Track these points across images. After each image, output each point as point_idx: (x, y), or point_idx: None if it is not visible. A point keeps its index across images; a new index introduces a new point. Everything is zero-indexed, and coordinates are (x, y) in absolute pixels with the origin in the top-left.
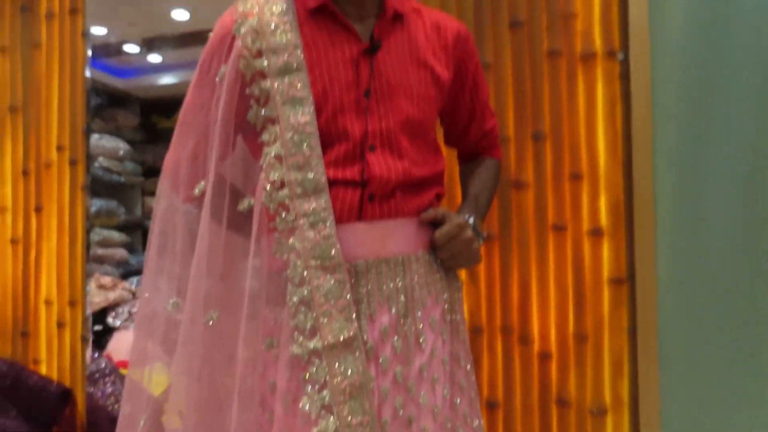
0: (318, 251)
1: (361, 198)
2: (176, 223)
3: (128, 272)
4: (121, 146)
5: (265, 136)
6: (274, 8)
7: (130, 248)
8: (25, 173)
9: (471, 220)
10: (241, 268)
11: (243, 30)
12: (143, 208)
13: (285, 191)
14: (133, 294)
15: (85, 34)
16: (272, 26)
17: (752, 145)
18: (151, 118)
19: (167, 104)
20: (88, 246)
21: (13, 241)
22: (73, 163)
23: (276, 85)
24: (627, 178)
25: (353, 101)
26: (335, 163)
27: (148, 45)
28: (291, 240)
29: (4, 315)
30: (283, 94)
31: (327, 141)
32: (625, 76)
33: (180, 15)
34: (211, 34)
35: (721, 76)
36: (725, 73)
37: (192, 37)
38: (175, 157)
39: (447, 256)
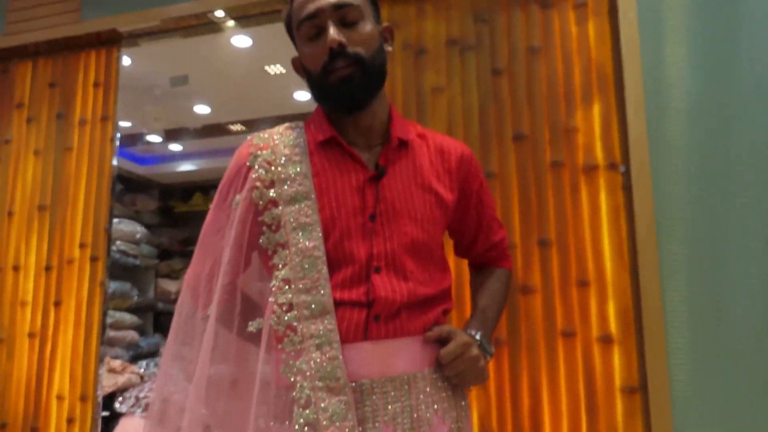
0: (324, 373)
1: (366, 318)
2: (195, 333)
3: (138, 355)
4: (139, 230)
5: (275, 260)
6: (286, 141)
7: (141, 330)
8: (48, 268)
9: (477, 336)
10: (251, 368)
11: (257, 162)
12: (156, 291)
13: (293, 313)
14: (142, 378)
15: (113, 139)
16: (284, 158)
17: (764, 248)
18: (169, 203)
19: (185, 189)
20: (101, 341)
21: (31, 335)
22: (93, 259)
23: (287, 212)
24: (634, 284)
25: (359, 225)
26: (342, 284)
27: (170, 135)
28: (298, 362)
29: (16, 409)
30: (293, 221)
31: (334, 263)
32: (627, 187)
33: (202, 110)
34: (230, 163)
35: (724, 183)
36: (728, 180)
37: (211, 129)
38: (194, 272)
39: (453, 374)
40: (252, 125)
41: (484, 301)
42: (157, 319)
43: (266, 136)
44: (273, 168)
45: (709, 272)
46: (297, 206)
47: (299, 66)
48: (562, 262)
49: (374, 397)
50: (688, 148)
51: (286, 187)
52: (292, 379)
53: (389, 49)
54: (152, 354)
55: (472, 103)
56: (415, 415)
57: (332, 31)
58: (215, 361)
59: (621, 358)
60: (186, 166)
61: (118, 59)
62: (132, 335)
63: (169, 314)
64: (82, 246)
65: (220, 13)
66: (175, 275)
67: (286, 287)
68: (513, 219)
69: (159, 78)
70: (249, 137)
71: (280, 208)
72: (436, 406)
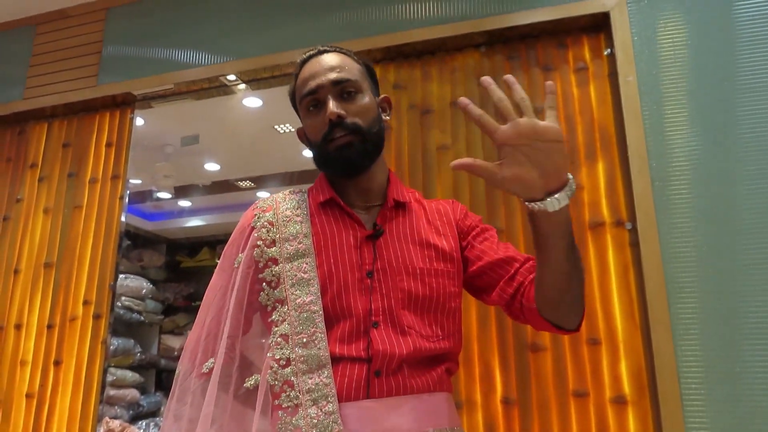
0: (320, 428)
1: (367, 374)
2: (188, 392)
3: (138, 414)
4: (145, 285)
5: (274, 316)
6: (289, 204)
7: (142, 389)
8: (50, 327)
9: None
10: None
11: (260, 222)
12: (159, 347)
13: (290, 368)
14: None
15: (123, 196)
16: (286, 219)
17: None
18: (176, 258)
19: (192, 245)
20: (101, 401)
21: (28, 396)
22: (96, 317)
23: (286, 269)
24: (646, 344)
25: (357, 281)
26: (340, 339)
27: (180, 192)
28: (295, 418)
29: None
30: (292, 278)
31: (332, 318)
32: (635, 244)
33: (211, 167)
34: (237, 226)
35: (730, 239)
36: (734, 236)
37: (220, 185)
38: (194, 336)
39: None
40: (260, 182)
41: None
42: (159, 376)
43: (270, 200)
44: (274, 228)
45: (722, 329)
46: (296, 263)
47: (303, 135)
48: None
49: None
50: (693, 205)
51: (287, 245)
52: None
53: (387, 118)
54: (153, 414)
55: None
56: None
57: (331, 105)
58: (214, 423)
59: (636, 420)
60: (194, 222)
61: (132, 120)
62: (133, 394)
63: (172, 371)
64: (85, 303)
65: (231, 77)
66: (179, 331)
67: (284, 342)
68: None
69: (170, 137)
70: (255, 202)
71: (280, 265)
72: None
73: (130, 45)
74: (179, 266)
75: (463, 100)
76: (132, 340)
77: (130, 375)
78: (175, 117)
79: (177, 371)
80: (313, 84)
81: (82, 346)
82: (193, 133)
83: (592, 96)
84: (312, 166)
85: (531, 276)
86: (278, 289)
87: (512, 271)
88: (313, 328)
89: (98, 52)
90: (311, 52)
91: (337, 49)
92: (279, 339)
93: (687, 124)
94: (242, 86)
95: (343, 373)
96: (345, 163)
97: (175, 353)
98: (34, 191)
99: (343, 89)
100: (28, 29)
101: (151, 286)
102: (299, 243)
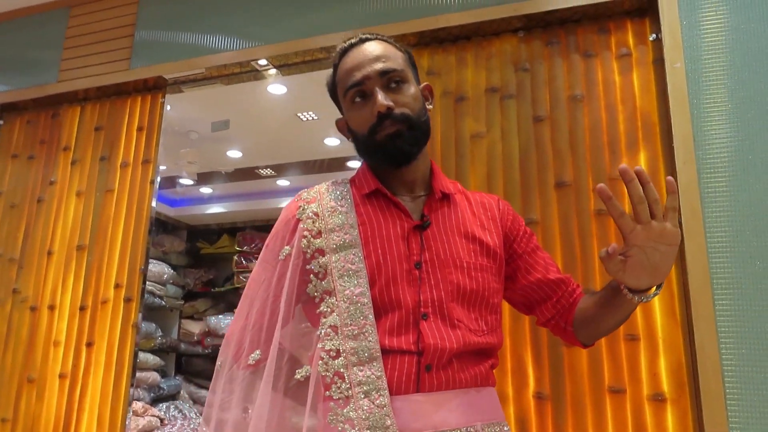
0: (372, 421)
1: (417, 368)
2: (238, 389)
3: (159, 397)
4: (166, 271)
5: (322, 307)
6: (332, 195)
7: (162, 372)
8: (82, 308)
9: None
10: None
11: (305, 214)
12: (179, 332)
13: (341, 360)
14: (162, 421)
15: (153, 181)
16: (330, 210)
17: None
18: (196, 244)
19: (212, 231)
20: (131, 384)
21: (61, 376)
22: (127, 300)
23: (333, 260)
24: (688, 341)
25: (405, 272)
26: (389, 331)
27: (201, 178)
28: (346, 410)
29: None
30: (340, 269)
31: (380, 310)
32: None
33: (234, 154)
34: (279, 218)
35: None
36: None
37: (241, 172)
38: (237, 327)
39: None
40: (280, 170)
41: None
42: (179, 360)
43: (314, 191)
44: (320, 219)
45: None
46: (343, 254)
47: (344, 126)
48: None
49: None
50: (739, 197)
51: (333, 236)
52: (340, 428)
53: (430, 107)
54: (172, 397)
55: (512, 150)
56: None
57: (380, 96)
58: (265, 416)
59: (674, 419)
60: (215, 209)
61: (162, 105)
62: (154, 376)
63: (191, 356)
64: (117, 286)
65: (263, 62)
66: (199, 316)
67: (333, 334)
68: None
69: (196, 124)
70: (297, 194)
71: (327, 256)
72: None
73: (162, 29)
74: (199, 252)
75: (606, 190)
76: (153, 324)
77: (151, 358)
78: (200, 104)
79: (219, 362)
80: (359, 75)
81: (114, 329)
82: (223, 118)
83: (635, 83)
84: (334, 155)
85: (572, 299)
86: (326, 281)
87: (559, 295)
88: (363, 320)
89: (131, 35)
90: (352, 41)
91: (378, 37)
92: (329, 330)
93: (734, 113)
94: (273, 71)
95: (393, 366)
96: (395, 152)
97: (195, 338)
98: (67, 174)
99: (390, 79)
100: (61, 12)
101: (172, 271)
102: (345, 234)
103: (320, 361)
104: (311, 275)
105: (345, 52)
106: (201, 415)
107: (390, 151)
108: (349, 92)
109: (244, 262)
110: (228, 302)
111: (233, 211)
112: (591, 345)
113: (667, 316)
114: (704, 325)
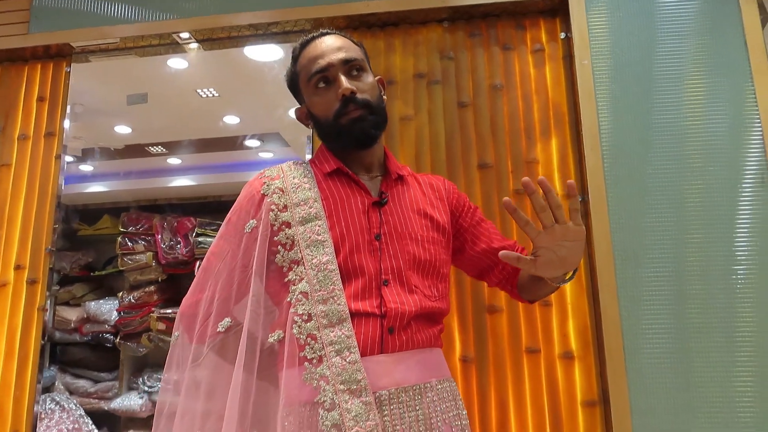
0: (345, 376)
1: (381, 331)
2: (208, 360)
3: None
4: None
5: (291, 276)
6: (295, 173)
7: None
8: None
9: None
10: (272, 405)
11: (271, 189)
12: (54, 319)
13: (312, 323)
14: (38, 415)
15: (60, 156)
16: (295, 185)
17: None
18: (72, 226)
19: (92, 212)
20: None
21: None
22: (31, 282)
23: (300, 231)
24: (593, 305)
25: (367, 243)
26: (355, 296)
27: (84, 155)
28: (320, 368)
29: None
30: (306, 239)
31: (345, 277)
32: (585, 215)
33: (122, 130)
34: (240, 196)
35: (675, 214)
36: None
37: (129, 149)
38: (193, 300)
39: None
40: (172, 147)
41: None
42: (53, 350)
43: (276, 170)
44: (285, 194)
45: (664, 292)
46: (309, 226)
47: (303, 114)
48: None
49: (392, 406)
50: (639, 181)
51: (298, 209)
52: (315, 384)
53: (384, 97)
54: (47, 389)
55: (438, 132)
56: (428, 424)
57: (345, 81)
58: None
59: (581, 373)
60: (95, 188)
61: (68, 75)
62: None
63: (68, 344)
64: (18, 268)
65: (185, 35)
66: (76, 302)
67: (304, 299)
68: None
69: (82, 96)
70: (260, 172)
71: (293, 228)
72: (444, 416)
73: None
74: (76, 234)
75: (510, 204)
76: None
77: None
78: (89, 74)
79: (176, 336)
80: (323, 62)
81: (15, 314)
82: (114, 91)
83: (547, 77)
84: (233, 133)
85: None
86: (293, 251)
87: (504, 263)
88: (331, 285)
89: None
90: (313, 34)
91: (336, 32)
92: (299, 296)
93: (635, 105)
94: (194, 45)
95: (358, 330)
96: (360, 135)
97: (72, 325)
98: None
99: (352, 67)
100: None
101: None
102: (310, 207)
103: (294, 324)
104: (278, 246)
105: (306, 43)
106: (81, 406)
107: (355, 134)
108: (313, 78)
109: (129, 243)
110: (109, 286)
111: (116, 191)
112: (535, 302)
113: (576, 285)
114: (607, 292)
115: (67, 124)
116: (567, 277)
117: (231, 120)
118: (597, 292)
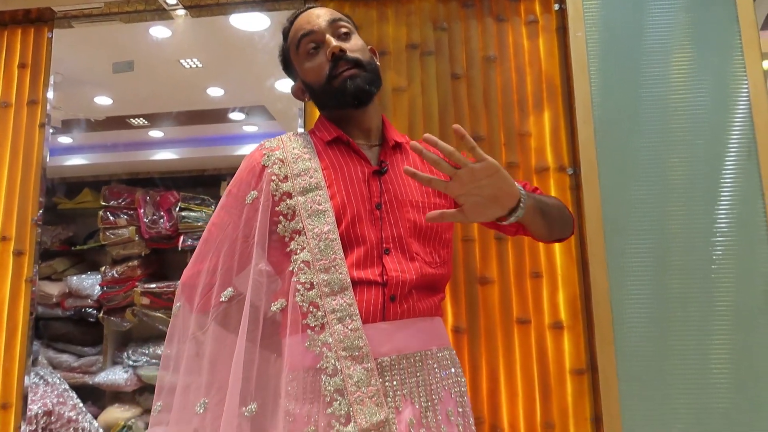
0: (347, 343)
1: (383, 299)
2: (211, 328)
3: None
4: None
5: (292, 246)
6: (295, 143)
7: None
8: None
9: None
10: (272, 370)
11: (271, 160)
12: (35, 294)
13: (314, 291)
14: None
15: (44, 125)
16: (295, 156)
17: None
18: (52, 199)
19: (71, 185)
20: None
21: None
22: (18, 254)
23: (301, 201)
24: (583, 276)
25: (367, 212)
26: (356, 264)
27: (63, 126)
28: (322, 335)
29: None
30: (308, 209)
31: (347, 245)
32: (575, 188)
33: (103, 101)
34: (240, 168)
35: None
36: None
37: (110, 121)
38: (194, 271)
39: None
40: (154, 119)
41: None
42: (36, 325)
43: (276, 141)
44: (285, 165)
45: (652, 264)
46: (310, 196)
47: (299, 89)
48: (517, 255)
49: (393, 373)
50: (630, 153)
51: (299, 179)
52: (318, 351)
53: (378, 63)
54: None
55: (432, 104)
56: (429, 390)
57: (332, 40)
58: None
59: (570, 343)
60: (75, 161)
61: (50, 40)
62: None
63: (50, 320)
64: (3, 239)
65: (172, 0)
66: (57, 277)
67: (306, 268)
68: None
69: (61, 64)
70: (260, 143)
71: (294, 198)
72: (444, 382)
73: None
74: (56, 208)
75: (415, 174)
76: None
77: None
78: (69, 42)
79: (177, 307)
80: (308, 26)
81: (2, 286)
82: (95, 60)
83: (541, 49)
84: (217, 106)
85: None
86: (294, 221)
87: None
88: (333, 254)
89: None
90: (300, 9)
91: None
92: (301, 265)
93: (627, 78)
94: (181, 12)
95: (361, 298)
96: (355, 91)
97: (54, 300)
98: None
99: (339, 27)
100: None
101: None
102: (311, 177)
103: (297, 293)
104: (280, 216)
105: (294, 18)
106: (65, 380)
107: (350, 91)
108: (302, 42)
109: (111, 217)
110: (91, 261)
111: (96, 164)
112: (550, 242)
113: (566, 256)
114: (597, 263)
115: (51, 93)
116: (518, 211)
117: (215, 92)
118: (587, 263)
